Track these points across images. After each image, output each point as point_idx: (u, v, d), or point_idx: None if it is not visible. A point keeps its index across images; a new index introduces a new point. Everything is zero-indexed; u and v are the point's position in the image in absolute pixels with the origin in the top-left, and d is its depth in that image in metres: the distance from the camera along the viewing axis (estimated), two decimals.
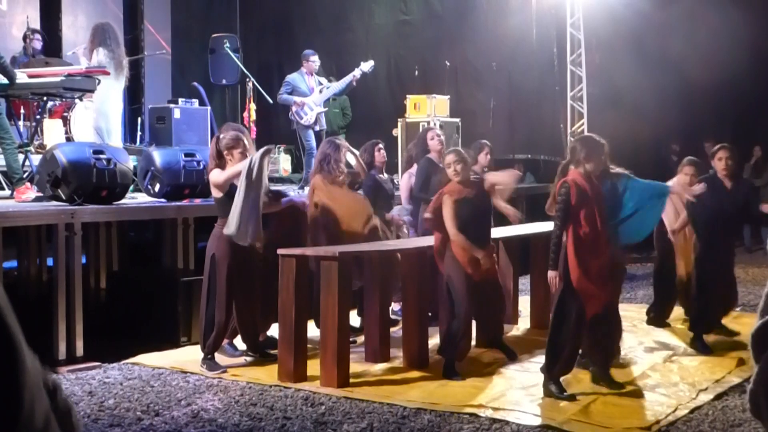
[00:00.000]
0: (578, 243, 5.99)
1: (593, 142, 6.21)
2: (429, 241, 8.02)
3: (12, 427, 0.86)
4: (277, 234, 7.64)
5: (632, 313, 9.08)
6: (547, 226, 9.02)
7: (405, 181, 8.97)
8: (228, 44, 12.66)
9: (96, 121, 9.62)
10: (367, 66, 11.54)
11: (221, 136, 7.04)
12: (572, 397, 6.03)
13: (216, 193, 6.89)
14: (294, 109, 11.26)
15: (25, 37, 11.66)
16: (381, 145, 8.77)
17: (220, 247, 6.84)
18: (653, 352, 7.58)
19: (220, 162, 6.88)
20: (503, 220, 10.21)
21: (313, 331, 7.16)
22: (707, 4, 13.06)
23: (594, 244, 6.00)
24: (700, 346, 7.55)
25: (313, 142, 11.19)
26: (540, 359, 7.18)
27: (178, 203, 8.45)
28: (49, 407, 0.94)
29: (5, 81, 8.97)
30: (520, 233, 8.73)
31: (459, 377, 6.64)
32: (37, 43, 11.59)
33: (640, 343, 7.92)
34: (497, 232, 8.70)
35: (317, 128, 11.33)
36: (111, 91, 9.65)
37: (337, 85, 11.54)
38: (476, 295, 6.66)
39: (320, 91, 11.31)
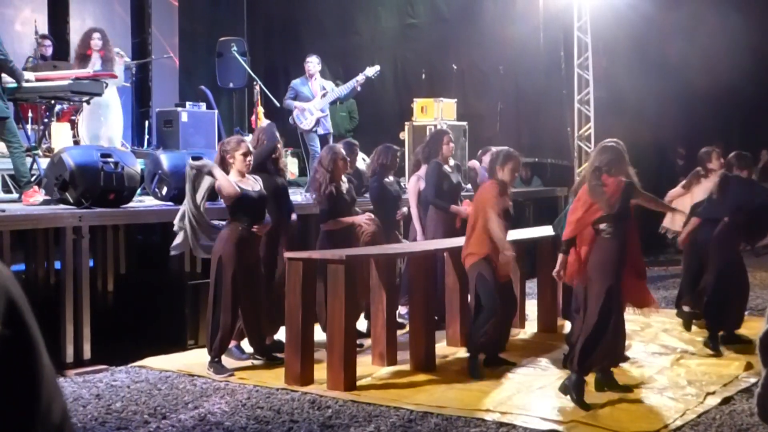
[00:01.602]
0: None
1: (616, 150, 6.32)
2: (436, 244, 8.04)
3: (30, 420, 0.87)
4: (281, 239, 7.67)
5: (641, 317, 9.06)
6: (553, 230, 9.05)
7: (413, 183, 8.96)
8: (235, 48, 12.68)
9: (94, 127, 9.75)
10: (372, 71, 11.53)
11: (226, 140, 7.09)
12: (586, 405, 5.98)
13: (227, 201, 6.94)
14: (294, 113, 11.28)
15: (36, 41, 11.70)
16: (399, 153, 8.86)
17: (227, 249, 6.85)
18: (661, 355, 7.56)
19: (223, 167, 6.90)
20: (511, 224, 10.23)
21: (319, 334, 7.16)
22: (715, 8, 13.04)
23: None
24: (712, 345, 7.60)
25: (318, 147, 11.19)
26: (548, 362, 7.19)
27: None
28: (66, 406, 0.95)
29: (14, 84, 8.99)
30: (527, 237, 8.73)
31: (480, 377, 6.71)
32: (47, 50, 11.62)
33: (648, 346, 7.90)
34: None
35: (321, 132, 11.32)
36: (108, 96, 9.77)
37: (340, 90, 11.53)
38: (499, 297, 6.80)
39: (323, 96, 11.31)
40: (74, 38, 13.55)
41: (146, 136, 12.45)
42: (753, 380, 6.61)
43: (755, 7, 13.82)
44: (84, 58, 9.98)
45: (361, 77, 11.44)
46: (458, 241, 8.05)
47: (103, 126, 9.89)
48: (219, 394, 6.39)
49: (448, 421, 5.68)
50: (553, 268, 6.46)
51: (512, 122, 14.35)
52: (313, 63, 11.38)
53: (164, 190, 8.47)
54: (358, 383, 6.56)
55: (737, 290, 7.76)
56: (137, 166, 8.31)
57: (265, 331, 7.34)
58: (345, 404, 6.08)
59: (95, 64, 9.92)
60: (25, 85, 9.01)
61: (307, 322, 6.70)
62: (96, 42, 10.06)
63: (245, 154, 6.91)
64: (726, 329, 7.87)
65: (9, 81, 8.90)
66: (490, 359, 7.14)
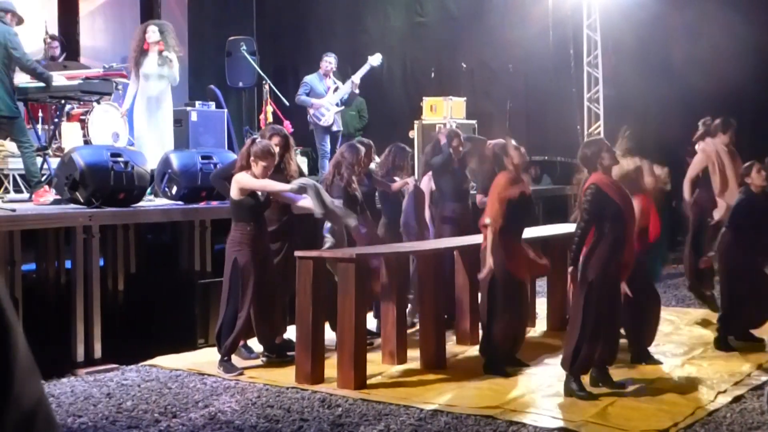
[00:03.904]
0: (604, 244, 6.01)
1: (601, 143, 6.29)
2: (446, 243, 8.04)
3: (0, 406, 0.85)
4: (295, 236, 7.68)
5: None
6: (564, 228, 9.04)
7: (425, 183, 8.98)
8: (244, 47, 12.68)
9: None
10: (376, 60, 11.54)
11: (258, 140, 7.04)
12: (593, 396, 6.03)
13: (235, 195, 6.89)
14: (311, 111, 11.28)
15: (44, 41, 11.72)
16: (410, 155, 8.93)
17: (242, 250, 6.85)
18: (672, 354, 7.55)
19: (246, 164, 6.86)
20: None
21: (330, 333, 7.16)
22: (724, 7, 12.99)
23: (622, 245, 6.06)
24: (723, 346, 7.61)
25: (328, 146, 11.21)
26: (558, 360, 7.18)
27: (195, 206, 8.47)
28: (43, 392, 0.94)
29: (26, 84, 9.04)
30: (537, 235, 8.71)
31: (506, 373, 6.75)
32: (56, 50, 11.64)
33: (659, 345, 7.88)
34: None
35: (334, 129, 11.35)
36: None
37: (348, 85, 11.53)
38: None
39: (334, 91, 11.33)
40: (84, 38, 13.62)
41: None
42: (764, 379, 6.61)
43: (765, 7, 13.75)
44: (142, 53, 9.71)
45: (366, 67, 11.44)
46: (468, 240, 8.05)
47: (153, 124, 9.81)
48: (229, 393, 6.40)
49: (458, 419, 5.68)
50: (563, 266, 6.48)
51: (521, 120, 14.33)
52: (331, 63, 11.40)
53: (174, 190, 8.49)
54: (369, 382, 6.56)
55: (753, 294, 7.70)
56: (147, 165, 8.33)
57: (276, 330, 7.34)
58: (355, 403, 6.08)
59: (153, 59, 9.71)
60: (30, 85, 9.06)
61: (318, 321, 6.70)
62: (150, 35, 9.73)
63: (266, 168, 6.85)
64: (739, 331, 7.85)
65: (21, 81, 8.95)
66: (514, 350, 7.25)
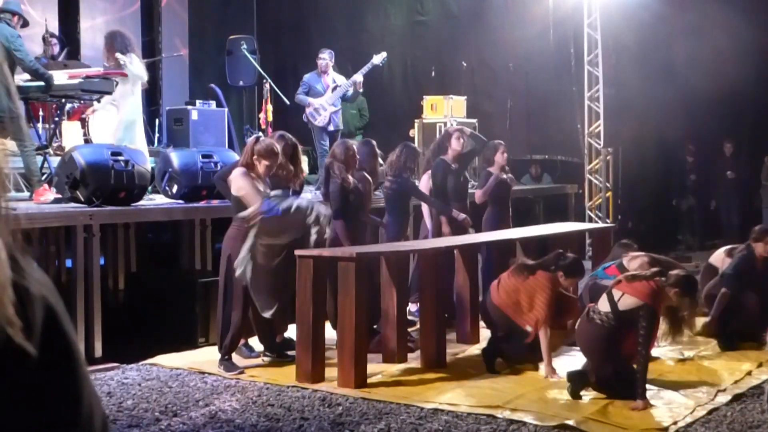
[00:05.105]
0: None
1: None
2: (446, 242, 8.03)
3: (72, 428, 0.86)
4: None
5: None
6: (564, 227, 9.05)
7: (425, 182, 8.98)
8: (245, 46, 12.68)
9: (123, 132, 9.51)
10: (379, 58, 11.51)
11: (261, 138, 7.01)
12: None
13: (236, 190, 6.85)
14: (307, 111, 11.26)
15: (44, 40, 11.72)
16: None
17: (236, 247, 6.83)
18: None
19: (249, 161, 6.84)
20: (521, 221, 10.22)
21: (330, 331, 7.16)
22: (725, 7, 12.98)
23: None
24: (726, 344, 7.62)
25: (327, 145, 11.19)
26: (558, 359, 7.18)
27: (195, 204, 8.47)
28: (106, 415, 0.94)
29: (29, 84, 9.04)
30: (537, 234, 8.71)
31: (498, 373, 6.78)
32: (56, 48, 11.64)
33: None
34: (514, 233, 8.70)
35: (331, 128, 11.30)
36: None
37: (345, 86, 11.50)
38: None
39: (333, 90, 11.30)
40: (84, 37, 13.62)
41: (156, 135, 12.47)
42: (764, 378, 6.61)
43: (765, 8, 13.75)
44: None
45: (368, 66, 11.41)
46: (468, 239, 8.06)
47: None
48: (230, 392, 6.40)
49: (458, 418, 5.69)
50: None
51: (522, 119, 14.33)
52: (325, 60, 11.37)
53: (174, 188, 8.49)
54: (369, 381, 6.57)
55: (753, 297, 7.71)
56: (147, 164, 8.33)
57: (275, 329, 7.34)
58: (355, 402, 6.08)
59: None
60: (31, 84, 9.06)
61: (318, 320, 6.70)
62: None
63: (269, 167, 6.84)
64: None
65: (21, 79, 8.95)
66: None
